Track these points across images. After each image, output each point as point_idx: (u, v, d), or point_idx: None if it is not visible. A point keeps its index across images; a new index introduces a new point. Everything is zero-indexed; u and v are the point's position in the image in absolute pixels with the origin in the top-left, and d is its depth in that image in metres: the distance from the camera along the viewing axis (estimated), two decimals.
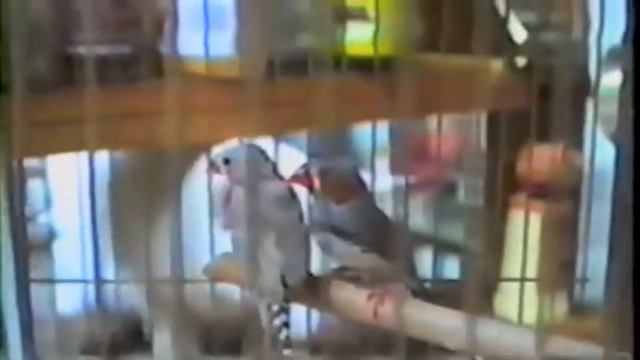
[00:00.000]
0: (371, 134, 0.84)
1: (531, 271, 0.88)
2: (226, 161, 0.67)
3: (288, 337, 0.61)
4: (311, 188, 0.65)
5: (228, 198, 0.66)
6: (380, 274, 0.64)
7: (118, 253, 1.02)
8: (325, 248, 0.64)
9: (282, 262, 0.63)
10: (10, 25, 0.49)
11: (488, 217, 0.92)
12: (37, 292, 0.86)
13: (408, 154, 0.54)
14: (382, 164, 1.05)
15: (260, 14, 0.62)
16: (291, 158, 0.72)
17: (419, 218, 1.25)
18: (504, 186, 0.90)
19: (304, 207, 0.66)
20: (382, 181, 0.72)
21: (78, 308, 1.02)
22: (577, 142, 1.05)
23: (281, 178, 0.66)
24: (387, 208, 0.66)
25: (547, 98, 0.79)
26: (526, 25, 1.12)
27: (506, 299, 1.08)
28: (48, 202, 1.08)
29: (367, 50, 0.92)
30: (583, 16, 1.10)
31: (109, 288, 0.95)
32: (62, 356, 0.98)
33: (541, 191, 0.99)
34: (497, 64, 1.07)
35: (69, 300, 1.01)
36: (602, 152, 0.85)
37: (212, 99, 0.92)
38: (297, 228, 0.65)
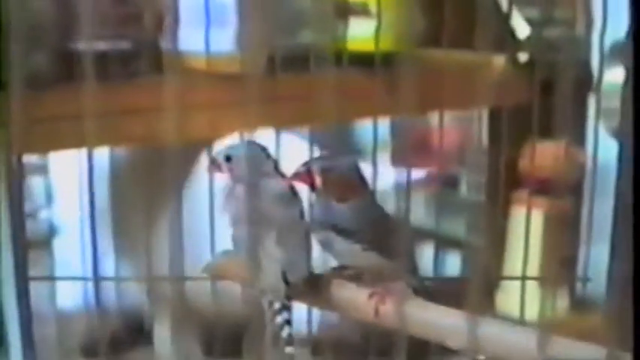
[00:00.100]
0: (372, 130, 0.83)
1: (533, 268, 0.88)
2: (228, 159, 0.66)
3: (290, 335, 0.61)
4: (312, 186, 0.65)
5: (231, 195, 0.66)
6: (381, 273, 0.64)
7: (120, 249, 1.02)
8: (326, 246, 0.64)
9: (283, 259, 0.62)
10: (9, 22, 0.49)
11: (490, 213, 0.92)
12: (36, 288, 0.86)
13: (410, 149, 0.53)
14: (384, 160, 1.05)
15: (261, 10, 0.62)
16: (295, 146, 0.72)
17: (420, 213, 1.25)
18: (506, 182, 0.89)
19: (305, 205, 0.66)
20: (384, 177, 0.72)
21: (78, 304, 1.02)
22: (579, 139, 1.05)
23: (282, 175, 0.66)
24: (389, 204, 0.66)
25: (549, 94, 0.79)
26: (529, 21, 1.12)
27: (508, 296, 1.08)
28: (49, 198, 1.07)
29: (369, 46, 0.91)
30: (586, 11, 1.10)
31: (110, 284, 0.95)
32: (62, 354, 0.98)
33: (543, 187, 0.99)
34: (499, 60, 1.06)
35: (69, 296, 1.01)
36: (604, 148, 0.85)
37: (213, 95, 0.91)
38: (298, 226, 0.65)
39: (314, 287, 0.64)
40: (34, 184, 1.05)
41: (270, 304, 0.62)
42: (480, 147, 1.20)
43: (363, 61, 0.90)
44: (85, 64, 0.47)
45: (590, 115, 1.02)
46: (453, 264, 1.15)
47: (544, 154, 0.93)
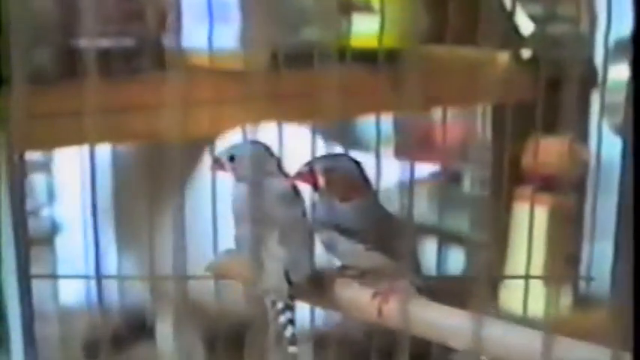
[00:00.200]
0: (375, 127, 0.83)
1: (537, 265, 0.88)
2: (231, 158, 0.66)
3: (293, 335, 0.61)
4: (315, 186, 0.65)
5: (234, 195, 0.66)
6: (384, 273, 0.63)
7: (122, 246, 1.02)
8: (329, 246, 0.64)
9: (286, 259, 0.62)
10: (11, 18, 0.49)
11: (493, 209, 0.92)
12: (38, 286, 0.86)
13: (413, 144, 0.53)
14: (387, 155, 1.04)
15: (264, 6, 0.61)
16: (302, 137, 0.72)
17: (423, 208, 1.25)
18: (510, 179, 0.89)
19: (308, 204, 0.66)
20: (387, 174, 0.71)
21: (80, 302, 1.02)
22: (583, 135, 1.05)
23: (286, 174, 0.66)
24: (393, 201, 0.65)
25: (553, 91, 0.79)
26: (532, 18, 1.12)
27: (511, 293, 1.07)
28: (51, 195, 1.07)
29: (372, 42, 0.91)
30: (590, 8, 1.10)
31: (112, 282, 0.95)
32: (64, 351, 0.98)
33: (547, 184, 0.99)
34: (503, 57, 1.06)
35: (71, 294, 1.01)
36: (608, 145, 0.85)
37: (216, 92, 0.91)
38: (301, 225, 0.64)
39: (317, 287, 0.64)
40: (36, 181, 1.05)
41: (273, 303, 0.61)
42: (483, 143, 1.20)
43: (367, 57, 0.90)
44: (88, 61, 0.46)
45: (594, 111, 1.02)
46: (456, 260, 1.15)
47: (548, 151, 0.93)
